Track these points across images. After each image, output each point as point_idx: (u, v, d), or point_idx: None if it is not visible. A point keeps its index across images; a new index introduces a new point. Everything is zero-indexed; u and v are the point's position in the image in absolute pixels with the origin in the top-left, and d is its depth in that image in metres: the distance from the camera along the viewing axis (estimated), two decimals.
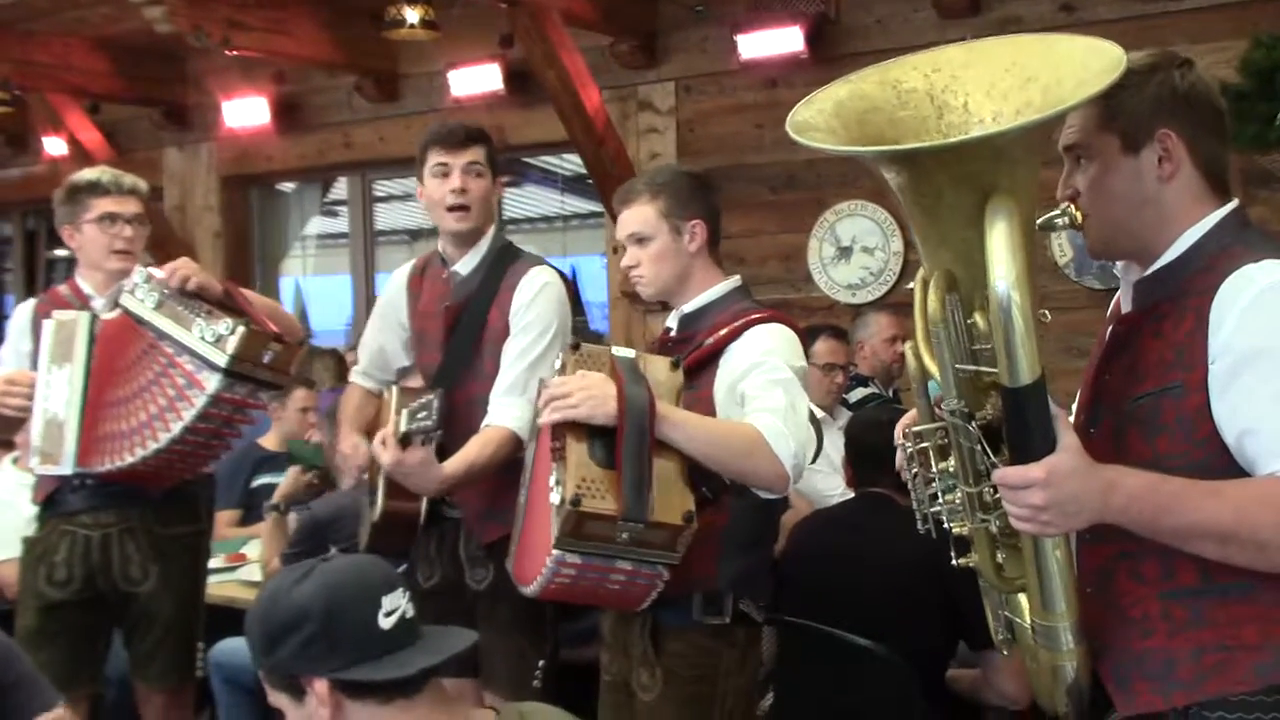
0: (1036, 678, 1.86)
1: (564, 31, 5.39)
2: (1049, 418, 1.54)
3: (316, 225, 8.06)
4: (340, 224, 7.82)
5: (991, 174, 1.53)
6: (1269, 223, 4.45)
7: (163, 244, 7.41)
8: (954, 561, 1.80)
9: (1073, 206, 1.75)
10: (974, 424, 1.60)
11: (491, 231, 3.07)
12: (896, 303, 5.26)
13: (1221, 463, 1.62)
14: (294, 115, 7.14)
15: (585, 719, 1.92)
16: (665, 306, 2.75)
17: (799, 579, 3.08)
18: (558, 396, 2.39)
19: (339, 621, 1.65)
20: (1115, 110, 1.70)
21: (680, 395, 2.48)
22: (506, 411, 2.84)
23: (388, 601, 1.69)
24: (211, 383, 2.96)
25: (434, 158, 2.98)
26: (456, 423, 2.88)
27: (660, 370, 2.49)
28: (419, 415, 2.62)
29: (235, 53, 5.95)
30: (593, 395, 2.36)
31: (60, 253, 3.17)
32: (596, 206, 6.58)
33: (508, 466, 2.80)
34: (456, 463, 2.77)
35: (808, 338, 3.70)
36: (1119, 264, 1.83)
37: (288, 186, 7.96)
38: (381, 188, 7.57)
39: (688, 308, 2.65)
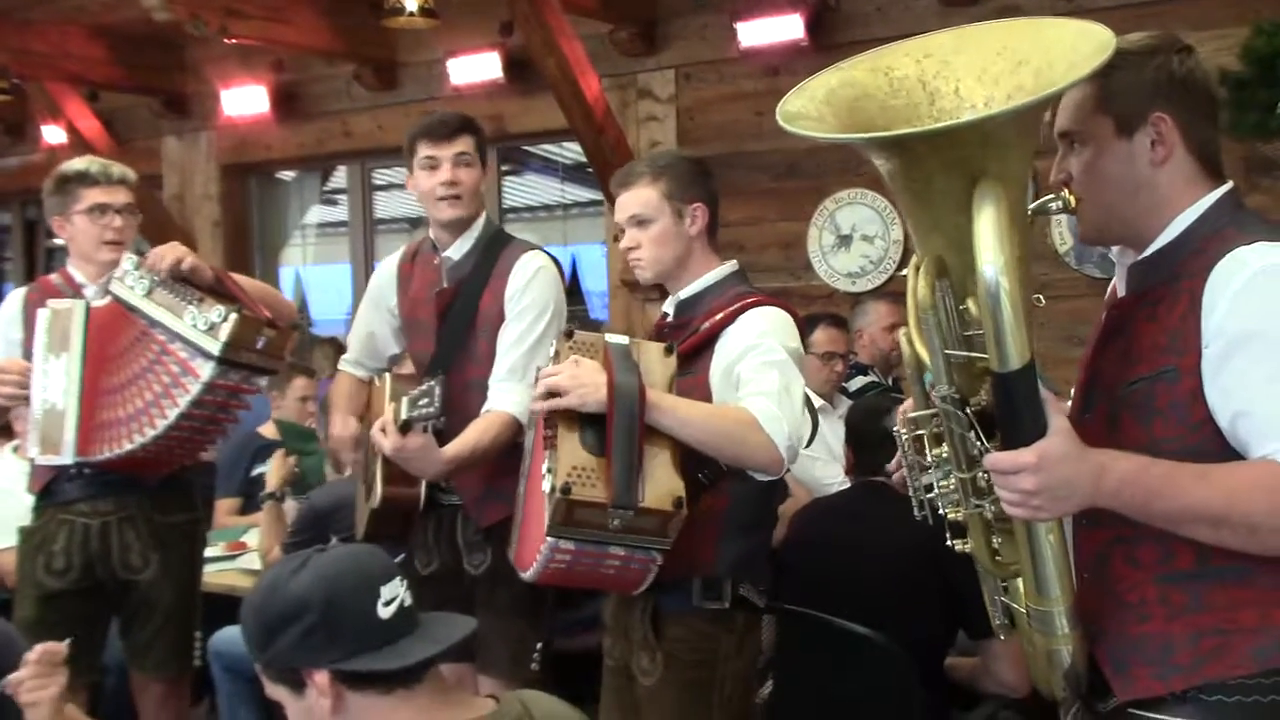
0: (1034, 663, 1.86)
1: (564, 19, 5.38)
2: (1039, 402, 1.54)
3: (316, 214, 8.05)
4: (340, 212, 7.81)
5: (981, 159, 1.53)
6: (1270, 211, 4.44)
7: (162, 232, 7.42)
8: (949, 543, 1.80)
9: (1066, 191, 1.75)
10: (967, 409, 1.60)
11: (483, 218, 3.07)
12: (896, 291, 5.25)
13: (1216, 446, 1.62)
14: (293, 104, 7.13)
15: (585, 706, 1.92)
16: (663, 295, 2.75)
17: (798, 567, 3.08)
18: (549, 385, 2.40)
19: (338, 612, 1.64)
20: (1110, 93, 1.70)
21: (674, 380, 2.49)
22: (506, 396, 2.85)
23: (386, 591, 1.68)
24: (205, 370, 2.96)
25: (423, 150, 2.98)
26: (453, 406, 2.89)
27: (654, 356, 2.50)
28: (420, 402, 2.62)
29: (233, 41, 5.93)
30: (583, 383, 2.37)
31: (59, 241, 3.16)
32: (597, 195, 6.57)
33: (505, 450, 2.81)
34: (458, 446, 2.78)
35: (807, 326, 3.70)
36: (1114, 249, 1.83)
37: (287, 175, 7.95)
38: (381, 176, 7.55)
39: (684, 293, 2.66)
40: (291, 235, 8.02)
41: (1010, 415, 1.55)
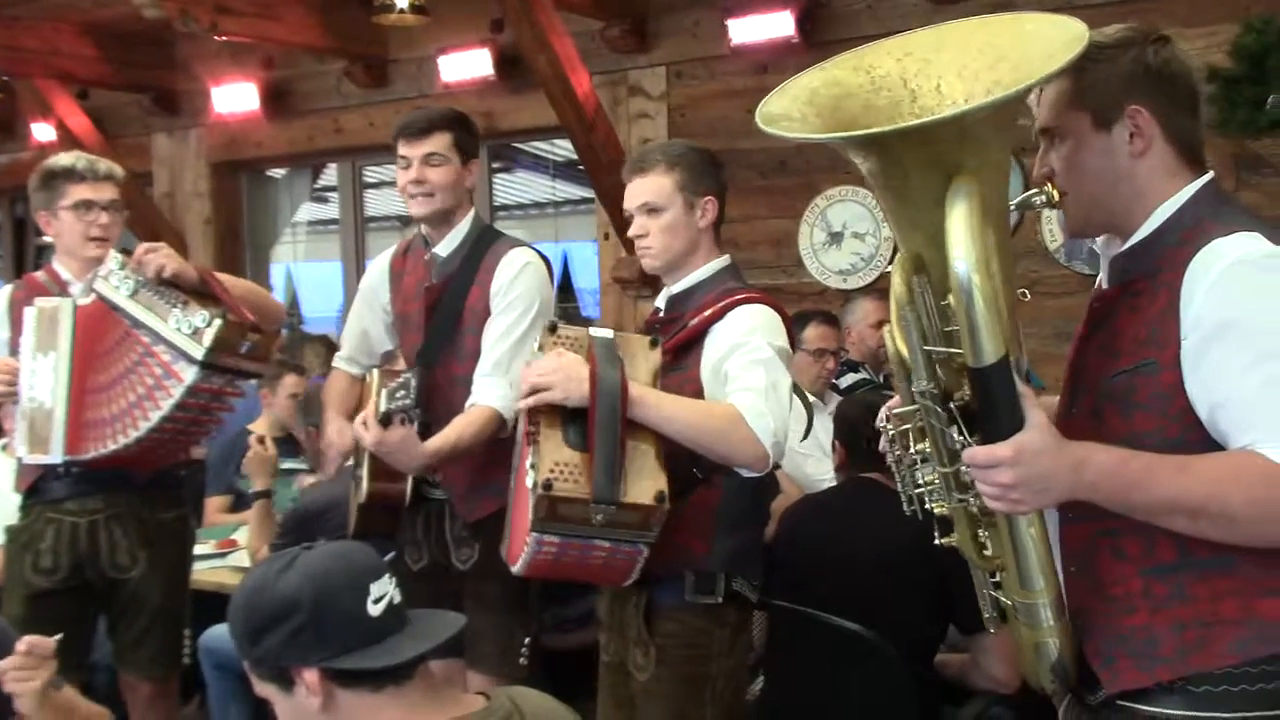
0: (1024, 656, 1.87)
1: (554, 16, 5.37)
2: (1015, 396, 1.55)
3: (307, 211, 8.03)
4: (331, 210, 7.79)
5: (957, 155, 1.53)
6: (1261, 208, 4.43)
7: (152, 230, 7.40)
8: (937, 540, 1.81)
9: (1050, 186, 1.76)
10: (949, 404, 1.61)
11: (470, 214, 3.07)
12: (885, 288, 5.22)
13: (1197, 438, 1.62)
14: (283, 101, 7.11)
15: (576, 703, 1.92)
16: (655, 291, 2.75)
17: (789, 564, 3.08)
18: (532, 381, 2.40)
19: (328, 610, 1.64)
20: (1086, 87, 1.70)
21: (659, 374, 2.49)
22: (490, 391, 2.85)
23: (375, 588, 1.68)
24: (188, 375, 2.97)
25: (399, 149, 3.00)
26: (439, 402, 2.89)
27: (639, 350, 2.50)
28: (397, 394, 2.63)
29: (223, 38, 5.92)
30: (566, 378, 2.38)
31: (49, 239, 3.15)
32: (588, 192, 6.56)
33: (490, 444, 2.80)
34: (440, 441, 2.78)
35: (798, 323, 3.71)
36: (1099, 240, 1.83)
37: (278, 172, 7.92)
38: (372, 174, 7.54)
39: (676, 288, 2.66)
40: (282, 233, 8.00)
41: (987, 409, 1.56)
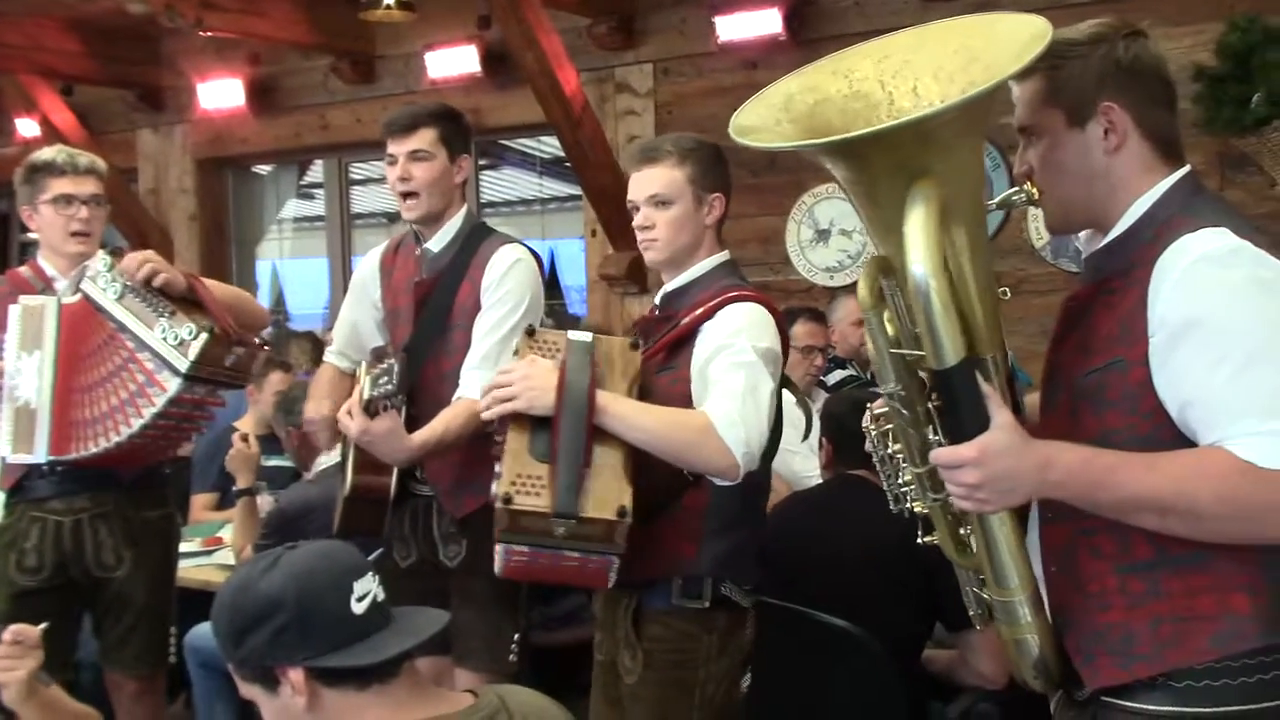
0: (1008, 653, 1.88)
1: (542, 13, 5.37)
2: (979, 397, 1.56)
3: (293, 208, 8.01)
4: (317, 207, 7.78)
5: (922, 159, 1.54)
6: (1246, 206, 4.45)
7: (137, 226, 7.37)
8: (919, 538, 1.82)
9: (1029, 184, 1.77)
10: (928, 404, 1.62)
11: (463, 210, 3.07)
12: None
13: (1168, 435, 1.63)
14: (269, 97, 7.09)
15: (564, 700, 1.91)
16: (642, 289, 2.74)
17: (776, 561, 3.08)
18: (498, 392, 2.38)
19: (311, 609, 1.63)
20: (1059, 85, 1.71)
21: (636, 380, 2.45)
22: (477, 384, 2.83)
23: (359, 586, 1.68)
24: (171, 386, 2.97)
25: (387, 146, 2.99)
26: (428, 397, 2.89)
27: (617, 353, 2.46)
28: (380, 381, 2.61)
29: (209, 33, 5.90)
30: (533, 386, 2.35)
31: (34, 235, 3.14)
32: (575, 189, 6.56)
33: (477, 439, 2.80)
34: (426, 433, 2.77)
35: (786, 320, 3.70)
36: (1082, 237, 1.83)
37: (263, 169, 7.90)
38: (358, 170, 7.52)
39: (672, 285, 2.61)
40: (268, 229, 7.98)
41: (952, 410, 1.58)
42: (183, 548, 3.65)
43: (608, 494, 2.29)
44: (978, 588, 1.85)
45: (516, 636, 2.91)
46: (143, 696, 3.32)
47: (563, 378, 2.34)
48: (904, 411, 1.64)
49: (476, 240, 3.02)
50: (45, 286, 3.19)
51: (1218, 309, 1.58)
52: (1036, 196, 1.77)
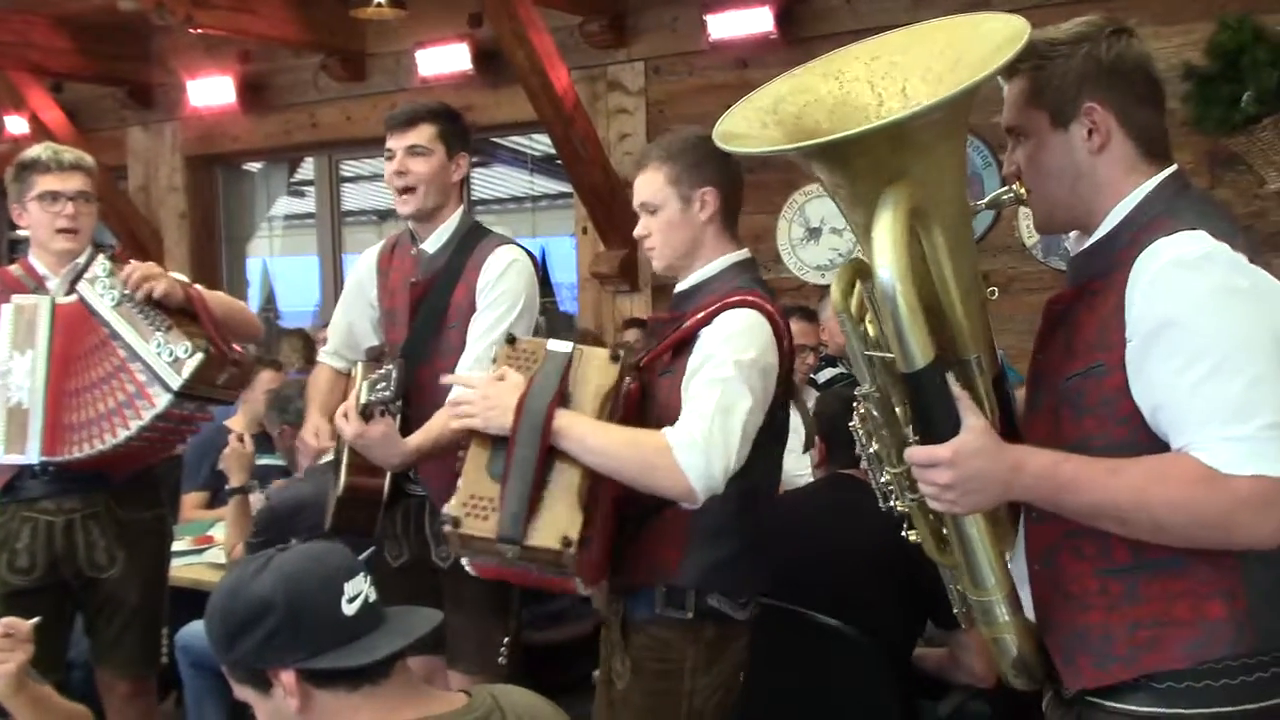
0: (991, 651, 1.89)
1: (533, 11, 5.37)
2: (949, 399, 1.57)
3: (283, 206, 8.00)
4: (307, 204, 7.77)
5: (899, 162, 1.55)
6: (1235, 205, 4.47)
7: (127, 224, 7.35)
8: (903, 533, 1.83)
9: (1017, 184, 1.77)
10: (894, 407, 1.63)
11: (459, 210, 3.06)
12: None
13: (1144, 439, 1.62)
14: (260, 95, 7.07)
15: (558, 699, 1.91)
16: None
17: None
18: (458, 408, 2.35)
19: (302, 611, 1.63)
20: (1041, 86, 1.70)
21: (611, 394, 2.37)
22: None
23: (350, 588, 1.67)
24: (160, 401, 2.98)
25: (386, 141, 2.99)
26: (423, 398, 2.87)
27: (594, 366, 2.39)
28: (378, 386, 2.61)
29: (199, 31, 5.88)
30: (492, 406, 2.30)
31: (24, 232, 3.13)
32: (566, 187, 6.56)
33: (469, 440, 2.79)
34: (420, 436, 2.76)
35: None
36: (1071, 236, 1.83)
37: (254, 166, 7.89)
38: (349, 168, 7.52)
39: (682, 285, 2.53)
40: (258, 227, 7.97)
41: (922, 412, 1.59)
42: (173, 546, 3.64)
43: (556, 521, 2.23)
44: (960, 586, 1.86)
45: (506, 640, 2.90)
46: (134, 698, 3.31)
47: (523, 397, 2.29)
48: (875, 413, 1.66)
49: (472, 241, 3.01)
50: (37, 285, 3.18)
51: (1187, 313, 1.57)
52: (1025, 196, 1.77)
